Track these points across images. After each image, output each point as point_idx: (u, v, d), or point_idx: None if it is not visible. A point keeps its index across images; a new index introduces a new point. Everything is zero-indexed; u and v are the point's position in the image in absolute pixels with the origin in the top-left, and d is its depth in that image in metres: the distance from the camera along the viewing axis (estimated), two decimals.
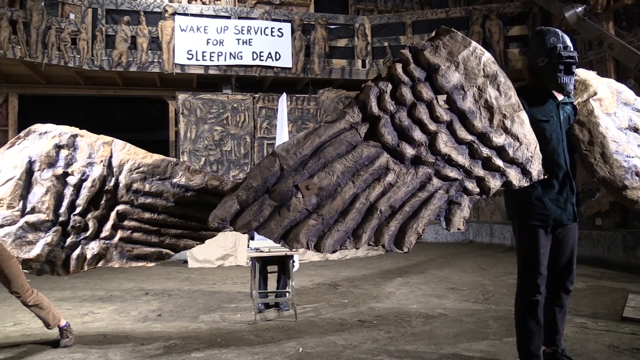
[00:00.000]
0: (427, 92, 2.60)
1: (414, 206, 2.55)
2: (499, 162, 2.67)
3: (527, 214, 3.04)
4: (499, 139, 2.66)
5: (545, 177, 2.81)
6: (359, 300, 5.86)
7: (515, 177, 2.71)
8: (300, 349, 4.00)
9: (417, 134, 2.56)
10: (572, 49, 2.97)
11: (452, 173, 2.60)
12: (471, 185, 2.64)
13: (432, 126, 2.58)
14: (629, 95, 3.32)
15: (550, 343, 3.22)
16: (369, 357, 3.74)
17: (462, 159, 2.62)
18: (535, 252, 3.02)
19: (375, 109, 2.56)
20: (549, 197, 3.00)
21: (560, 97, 3.08)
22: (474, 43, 2.73)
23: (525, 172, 2.74)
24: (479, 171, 2.64)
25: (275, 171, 2.43)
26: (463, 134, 2.62)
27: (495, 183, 2.66)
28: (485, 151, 2.65)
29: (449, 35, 2.68)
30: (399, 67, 2.62)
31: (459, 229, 2.59)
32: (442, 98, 2.62)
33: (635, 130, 3.23)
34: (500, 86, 2.71)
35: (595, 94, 3.15)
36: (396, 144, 2.55)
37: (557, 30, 3.05)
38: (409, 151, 2.56)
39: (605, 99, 3.16)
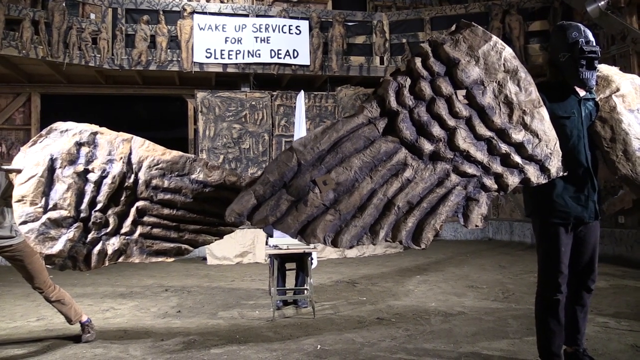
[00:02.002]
0: (446, 87, 2.56)
1: (432, 202, 2.53)
2: (517, 159, 2.63)
3: (548, 211, 3.00)
4: (518, 135, 2.62)
5: (565, 174, 2.76)
6: (377, 298, 5.85)
7: (533, 173, 2.67)
8: (319, 346, 4.00)
9: (436, 130, 2.53)
10: (594, 44, 2.90)
11: (470, 169, 2.57)
12: (489, 182, 2.61)
13: (451, 122, 2.54)
14: None
15: (571, 342, 3.17)
16: (387, 355, 3.73)
17: (481, 155, 2.59)
18: (556, 251, 2.97)
19: (393, 103, 2.53)
20: (570, 194, 2.95)
21: (582, 93, 3.02)
22: (494, 37, 2.68)
23: (544, 169, 2.69)
24: (497, 167, 2.61)
25: (293, 166, 2.42)
26: (482, 129, 2.58)
27: (513, 180, 2.62)
28: (504, 147, 2.61)
29: (469, 30, 2.64)
30: (418, 62, 2.59)
31: (476, 226, 2.55)
32: (461, 93, 2.58)
33: None
34: (521, 82, 2.66)
35: (618, 90, 3.07)
36: (414, 139, 2.53)
37: (579, 24, 2.99)
38: (428, 147, 2.53)
39: (629, 95, 3.08)
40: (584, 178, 2.97)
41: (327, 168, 2.44)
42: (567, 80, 2.99)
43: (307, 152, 2.43)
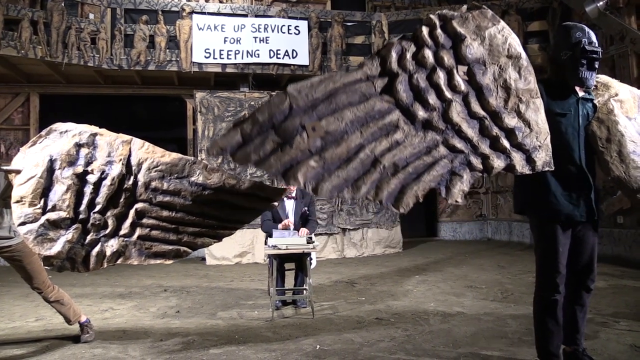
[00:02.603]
0: (448, 59, 2.57)
1: (418, 169, 2.50)
2: (506, 144, 2.62)
3: (540, 208, 3.01)
4: (511, 121, 2.62)
5: (552, 169, 2.72)
6: (376, 298, 5.85)
7: (519, 162, 2.64)
8: (318, 346, 4.00)
9: (432, 98, 2.53)
10: (596, 45, 2.94)
11: (459, 144, 2.55)
12: (475, 161, 2.58)
13: (448, 94, 2.55)
14: None
15: (571, 342, 3.18)
16: (386, 355, 3.73)
17: (472, 132, 2.58)
18: (553, 251, 2.98)
19: (394, 65, 2.52)
20: (561, 192, 2.97)
21: (581, 93, 3.04)
22: (502, 22, 2.70)
23: (530, 160, 2.67)
24: (485, 149, 2.60)
25: (284, 109, 2.36)
26: (477, 108, 2.59)
27: (499, 164, 2.59)
28: (495, 130, 2.61)
29: (479, 11, 2.67)
30: (425, 30, 2.59)
31: (456, 201, 2.50)
32: (462, 69, 2.59)
33: None
34: (522, 69, 2.67)
35: (616, 94, 3.11)
36: (410, 103, 2.52)
37: (584, 26, 3.02)
38: (422, 114, 2.52)
39: (627, 102, 3.11)
40: (576, 177, 2.98)
41: (318, 116, 2.39)
42: (566, 79, 3.01)
43: (300, 97, 2.37)
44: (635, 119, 3.11)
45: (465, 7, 2.69)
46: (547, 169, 2.66)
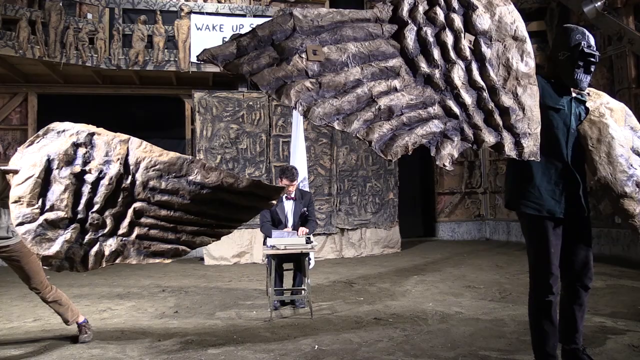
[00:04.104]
0: (458, 23, 2.60)
1: (411, 120, 2.47)
2: (499, 121, 2.62)
3: (524, 200, 3.02)
4: (507, 100, 2.63)
5: (537, 160, 2.71)
6: (374, 298, 5.85)
7: (508, 143, 2.63)
8: (316, 346, 4.00)
9: (437, 54, 2.54)
10: (594, 49, 3.00)
11: (455, 109, 2.54)
12: (467, 130, 2.57)
13: (453, 55, 2.56)
14: (636, 122, 3.36)
15: (569, 341, 3.18)
16: (385, 355, 3.74)
17: (469, 100, 2.58)
18: (545, 253, 2.99)
19: (405, 13, 2.53)
20: (545, 187, 2.99)
21: (574, 94, 3.09)
22: (513, 5, 2.75)
23: (518, 145, 2.65)
24: (478, 121, 2.59)
25: (286, 29, 2.33)
26: (477, 77, 2.60)
27: (489, 138, 2.58)
28: (490, 104, 2.61)
29: None
30: None
31: (444, 165, 2.48)
32: (469, 37, 2.62)
33: (638, 154, 3.23)
34: (524, 53, 2.71)
35: (608, 102, 3.23)
36: (415, 54, 2.52)
37: (584, 29, 3.07)
38: (424, 67, 2.52)
39: (617, 112, 3.21)
40: (562, 173, 3.00)
41: (321, 42, 2.36)
42: (562, 78, 3.06)
43: (305, 21, 2.34)
44: (622, 129, 3.19)
45: None
46: (532, 158, 2.66)
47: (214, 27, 10.08)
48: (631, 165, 3.06)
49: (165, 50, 9.96)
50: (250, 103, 9.92)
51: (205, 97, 9.80)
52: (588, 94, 3.18)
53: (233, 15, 10.34)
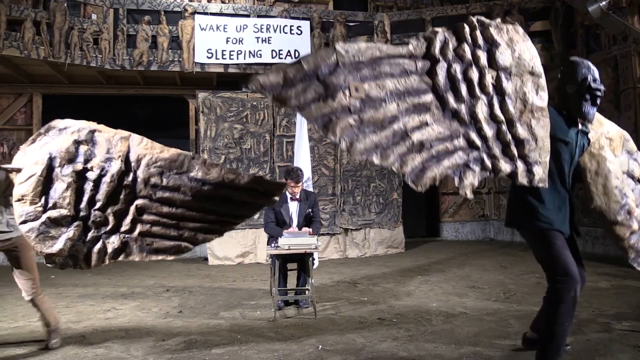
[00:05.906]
0: (483, 60, 2.74)
1: (439, 153, 2.60)
2: (514, 152, 2.77)
3: (536, 220, 3.08)
4: (523, 132, 2.77)
5: (545, 186, 2.85)
6: (378, 298, 5.84)
7: (522, 172, 2.79)
8: (320, 346, 3.99)
9: (464, 91, 2.67)
10: (600, 83, 3.13)
11: (477, 141, 2.68)
12: (487, 161, 2.71)
13: (477, 90, 2.70)
14: (632, 146, 3.58)
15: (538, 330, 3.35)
16: (389, 356, 3.72)
17: (490, 133, 2.72)
18: (563, 249, 3.02)
19: (437, 51, 2.66)
20: (553, 209, 3.09)
21: (580, 126, 3.20)
22: (531, 41, 2.91)
23: (530, 172, 2.81)
24: (496, 151, 2.74)
25: (331, 64, 2.42)
26: (498, 112, 2.74)
27: (505, 168, 2.73)
28: (508, 137, 2.75)
29: (512, 26, 2.88)
30: (466, 28, 2.76)
31: (465, 193, 2.63)
32: (492, 73, 2.76)
33: (632, 177, 3.49)
34: (539, 88, 2.84)
35: (608, 132, 3.44)
36: (445, 90, 2.65)
37: (590, 63, 3.18)
38: (452, 103, 2.65)
39: (615, 140, 3.45)
40: (563, 198, 3.14)
41: (361, 78, 2.47)
42: (570, 110, 3.17)
43: (347, 57, 2.44)
44: (618, 157, 3.43)
45: (499, 19, 2.92)
46: (541, 185, 2.82)
47: (217, 28, 10.09)
48: (624, 195, 3.33)
49: (170, 50, 9.97)
50: (254, 103, 9.92)
51: (209, 97, 9.81)
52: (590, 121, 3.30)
53: (237, 15, 10.34)
